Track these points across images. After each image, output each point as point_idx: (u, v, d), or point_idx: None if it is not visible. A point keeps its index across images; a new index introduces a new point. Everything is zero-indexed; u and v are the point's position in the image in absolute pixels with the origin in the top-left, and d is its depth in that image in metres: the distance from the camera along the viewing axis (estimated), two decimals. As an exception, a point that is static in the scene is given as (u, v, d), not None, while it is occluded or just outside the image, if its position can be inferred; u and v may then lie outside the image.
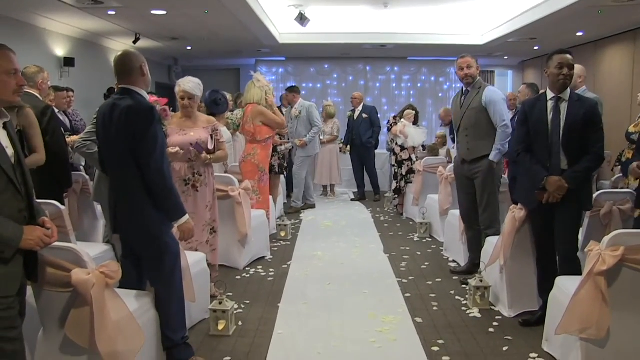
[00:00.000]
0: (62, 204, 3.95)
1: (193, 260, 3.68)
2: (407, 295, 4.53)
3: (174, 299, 3.09)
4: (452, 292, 4.61)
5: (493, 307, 4.19)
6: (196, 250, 4.24)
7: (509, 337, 3.67)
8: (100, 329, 2.53)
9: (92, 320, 2.51)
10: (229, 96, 7.37)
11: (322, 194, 9.71)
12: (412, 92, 14.03)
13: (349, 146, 9.45)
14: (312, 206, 8.48)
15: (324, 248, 6.08)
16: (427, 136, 8.79)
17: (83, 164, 6.39)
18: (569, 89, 3.71)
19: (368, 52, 12.64)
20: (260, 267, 5.34)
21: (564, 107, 3.67)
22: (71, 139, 5.45)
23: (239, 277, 5.02)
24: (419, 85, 14.09)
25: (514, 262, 4.02)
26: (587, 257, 3.02)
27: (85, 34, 9.35)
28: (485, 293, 4.20)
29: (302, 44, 11.24)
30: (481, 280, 4.21)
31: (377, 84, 14.12)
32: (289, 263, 5.49)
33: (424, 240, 6.50)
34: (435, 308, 4.25)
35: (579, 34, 9.43)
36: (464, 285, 4.64)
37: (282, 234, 6.50)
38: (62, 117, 6.23)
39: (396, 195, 8.14)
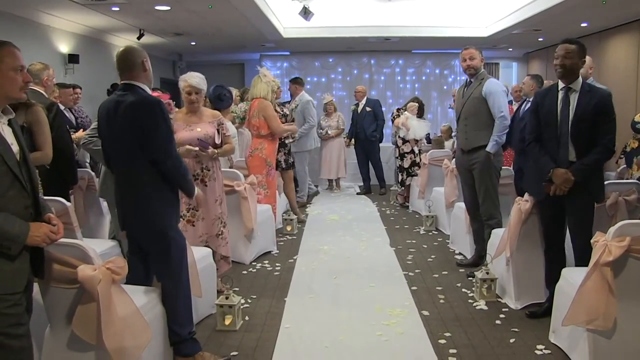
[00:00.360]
0: (68, 200, 3.95)
1: (199, 256, 3.68)
2: (414, 288, 4.53)
3: (180, 293, 3.09)
4: (459, 284, 4.61)
5: (500, 299, 4.18)
6: (207, 243, 4.25)
7: (516, 329, 3.66)
8: (107, 324, 2.53)
9: (99, 316, 2.52)
10: (235, 91, 7.35)
11: (328, 188, 9.71)
12: (416, 85, 13.95)
13: (353, 140, 9.44)
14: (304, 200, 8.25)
15: (330, 242, 6.08)
16: (430, 129, 8.72)
17: (88, 160, 6.41)
18: (580, 79, 3.63)
19: (372, 46, 12.58)
20: (267, 261, 5.35)
21: (574, 97, 3.59)
22: (76, 135, 5.46)
23: (245, 272, 5.03)
24: (423, 78, 14.00)
25: (520, 254, 4.01)
26: (593, 248, 3.01)
27: (89, 30, 9.35)
28: (492, 285, 4.19)
29: (306, 38, 11.19)
30: (487, 273, 4.20)
31: (382, 77, 14.04)
32: (295, 257, 5.50)
33: (430, 233, 6.50)
34: (441, 301, 4.25)
35: (583, 25, 9.35)
36: (470, 278, 4.63)
37: (288, 228, 6.50)
38: (67, 113, 6.25)
39: (402, 187, 8.13)
